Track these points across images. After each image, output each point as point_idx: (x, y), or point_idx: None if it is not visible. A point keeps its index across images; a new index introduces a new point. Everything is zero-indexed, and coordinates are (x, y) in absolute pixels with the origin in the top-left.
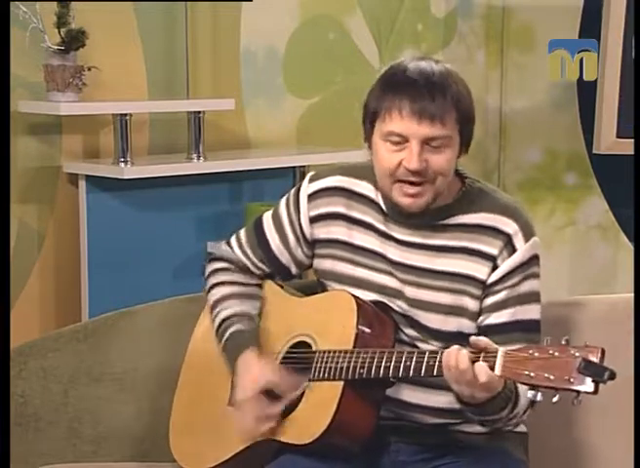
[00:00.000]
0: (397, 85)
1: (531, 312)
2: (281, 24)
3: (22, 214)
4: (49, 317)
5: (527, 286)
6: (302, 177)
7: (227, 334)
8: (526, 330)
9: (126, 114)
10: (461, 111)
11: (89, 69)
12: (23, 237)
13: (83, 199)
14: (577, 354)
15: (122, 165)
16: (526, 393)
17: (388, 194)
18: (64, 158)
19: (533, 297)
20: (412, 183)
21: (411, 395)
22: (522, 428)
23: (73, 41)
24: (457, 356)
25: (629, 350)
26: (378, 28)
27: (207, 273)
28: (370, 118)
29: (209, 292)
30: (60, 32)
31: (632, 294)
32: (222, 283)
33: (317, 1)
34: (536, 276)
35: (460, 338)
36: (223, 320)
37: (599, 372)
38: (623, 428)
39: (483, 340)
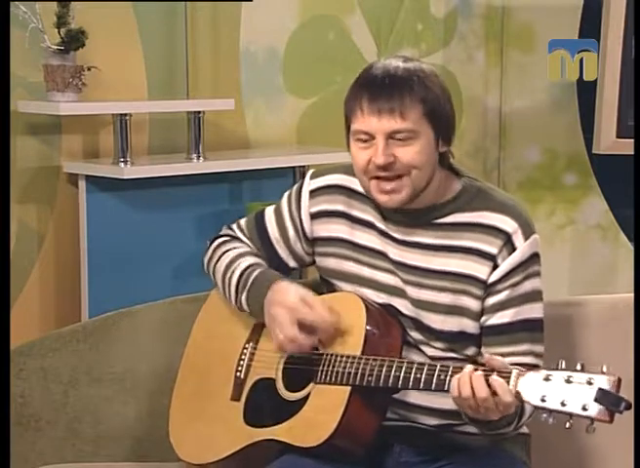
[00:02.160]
0: (360, 85)
1: (534, 311)
2: (281, 24)
3: (22, 214)
4: (49, 317)
5: (528, 284)
6: (302, 177)
7: (253, 277)
8: (530, 329)
9: (126, 114)
10: (429, 105)
11: (89, 69)
12: (23, 237)
13: (83, 199)
14: (592, 381)
15: (122, 165)
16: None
17: (368, 192)
18: (64, 158)
19: (535, 296)
20: (386, 179)
21: (414, 396)
22: (524, 429)
23: (73, 41)
24: (472, 383)
25: (629, 350)
26: (378, 28)
27: (214, 246)
28: (345, 122)
29: (219, 258)
30: (59, 32)
31: (632, 294)
32: (235, 247)
33: (317, 1)
34: (537, 274)
35: (463, 338)
36: (245, 268)
37: (615, 402)
38: (623, 428)
39: (497, 360)
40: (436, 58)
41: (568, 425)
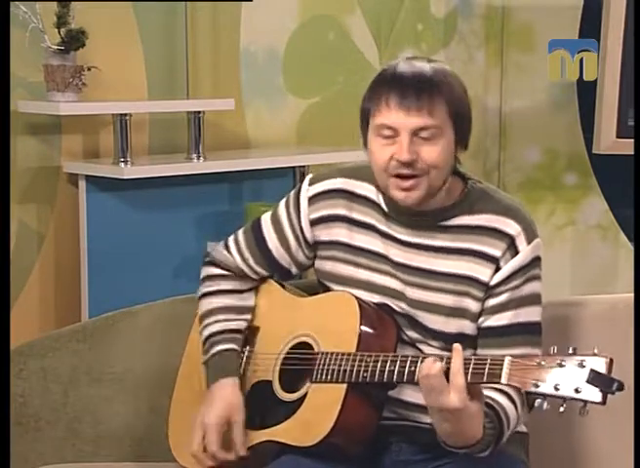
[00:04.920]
0: (387, 81)
1: (532, 314)
2: (281, 24)
3: (22, 215)
4: (49, 317)
5: (529, 288)
6: (302, 177)
7: (212, 351)
8: (527, 332)
9: (126, 114)
10: (454, 106)
11: (89, 69)
12: (23, 237)
13: (83, 199)
14: (584, 364)
15: (122, 165)
16: (513, 411)
17: (385, 190)
18: (64, 158)
19: (534, 300)
20: (405, 177)
21: (412, 395)
22: (522, 428)
23: (73, 41)
24: (430, 363)
25: (629, 350)
26: (378, 28)
27: (201, 277)
28: (364, 117)
29: (200, 299)
30: (59, 32)
31: (632, 294)
32: (214, 292)
33: (317, 1)
34: (537, 278)
35: (462, 340)
36: (210, 335)
37: (607, 383)
38: (623, 428)
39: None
40: (436, 58)
41: (561, 409)
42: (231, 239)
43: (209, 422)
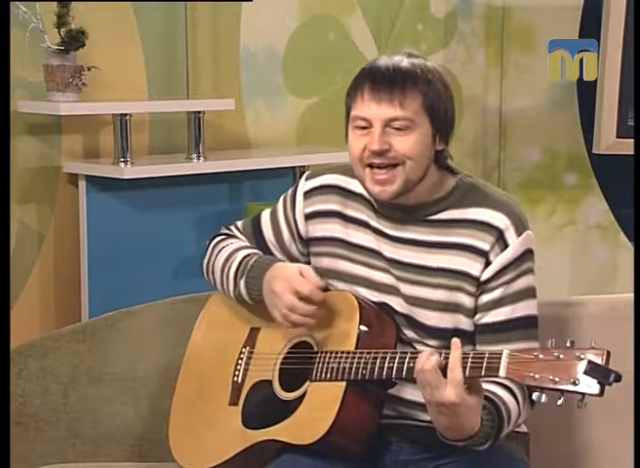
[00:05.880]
0: (364, 75)
1: (528, 308)
2: (281, 24)
3: (22, 215)
4: (49, 317)
5: (522, 282)
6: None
7: (252, 261)
8: (524, 326)
9: (126, 114)
10: (429, 98)
11: (89, 69)
12: (23, 237)
13: (83, 199)
14: (582, 356)
15: (122, 165)
16: (514, 405)
17: (363, 183)
18: (64, 158)
19: (529, 293)
20: (379, 167)
21: (413, 393)
22: (523, 428)
23: (73, 41)
24: (425, 358)
25: (629, 350)
26: (378, 28)
27: (212, 244)
28: (347, 112)
29: (218, 253)
30: (59, 32)
31: (632, 294)
32: (233, 243)
33: (317, 1)
34: (530, 271)
35: (458, 335)
36: (244, 257)
37: (605, 375)
38: (624, 428)
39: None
40: (436, 57)
41: (559, 402)
42: (232, 225)
43: (291, 275)
